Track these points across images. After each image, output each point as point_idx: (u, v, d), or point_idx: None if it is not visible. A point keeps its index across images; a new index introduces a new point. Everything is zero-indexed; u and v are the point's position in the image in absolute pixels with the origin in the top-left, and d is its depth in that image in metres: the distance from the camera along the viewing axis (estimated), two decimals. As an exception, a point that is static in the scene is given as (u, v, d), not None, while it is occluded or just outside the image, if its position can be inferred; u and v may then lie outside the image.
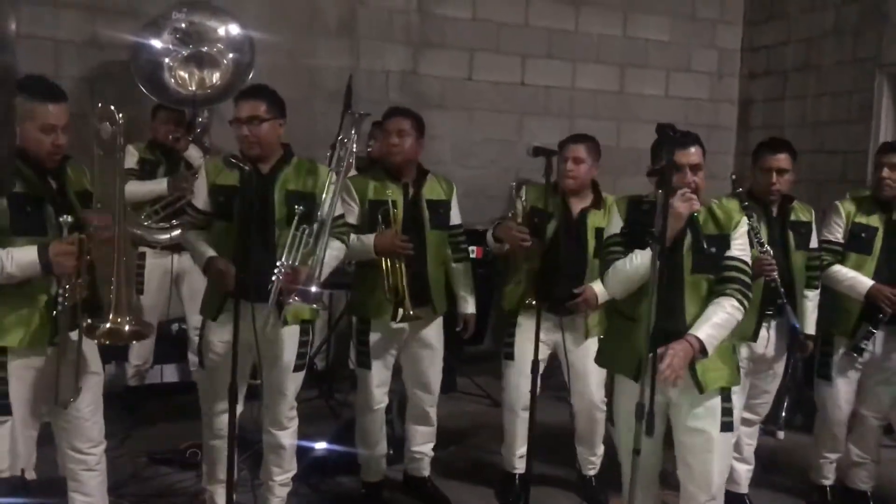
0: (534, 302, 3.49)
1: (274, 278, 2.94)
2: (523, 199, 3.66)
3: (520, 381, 3.66)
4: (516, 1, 6.41)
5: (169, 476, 3.83)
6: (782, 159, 3.51)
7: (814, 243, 3.64)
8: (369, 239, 3.39)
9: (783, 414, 4.91)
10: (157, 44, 4.78)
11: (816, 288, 3.65)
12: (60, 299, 2.62)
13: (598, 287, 3.38)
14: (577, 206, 3.68)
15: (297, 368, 3.26)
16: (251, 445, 3.62)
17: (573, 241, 3.62)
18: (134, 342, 4.54)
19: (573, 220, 3.66)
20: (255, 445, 3.43)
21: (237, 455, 3.39)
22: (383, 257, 3.39)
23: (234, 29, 4.91)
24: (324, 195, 3.17)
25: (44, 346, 2.70)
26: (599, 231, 3.60)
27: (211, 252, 3.10)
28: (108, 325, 2.59)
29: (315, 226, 3.05)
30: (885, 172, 3.61)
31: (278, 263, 2.96)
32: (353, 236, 3.41)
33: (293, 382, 3.27)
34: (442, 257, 3.63)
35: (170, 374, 4.92)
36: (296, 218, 3.05)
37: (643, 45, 6.82)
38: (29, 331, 2.66)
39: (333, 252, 3.14)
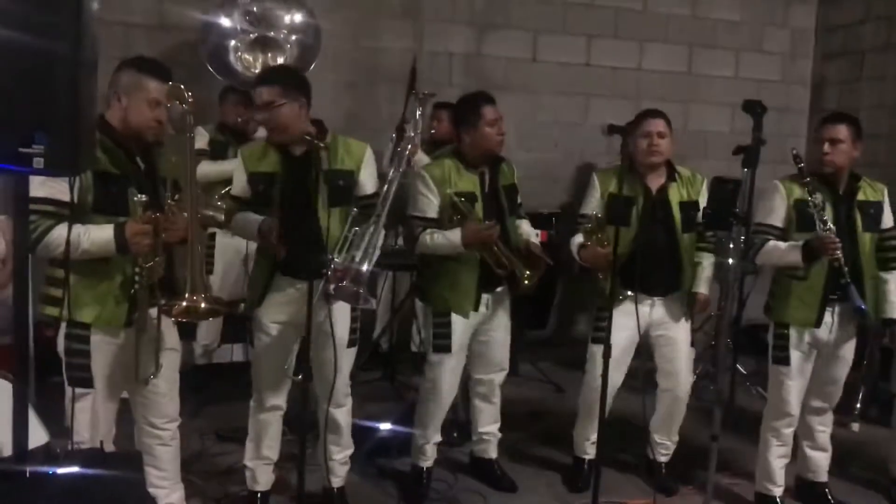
0: (629, 293, 3.44)
1: (324, 273, 2.91)
2: (595, 214, 3.57)
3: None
4: (581, -20, 6.29)
5: (235, 454, 3.86)
6: (839, 129, 3.35)
7: (887, 223, 3.48)
8: (455, 235, 3.33)
9: (858, 405, 4.74)
10: (226, 23, 4.81)
11: (894, 270, 3.48)
12: (138, 278, 2.66)
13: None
14: (655, 183, 3.60)
15: (350, 344, 3.25)
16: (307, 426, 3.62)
17: (659, 219, 3.55)
18: (202, 322, 4.69)
19: (655, 198, 3.57)
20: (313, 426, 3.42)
21: (292, 434, 3.44)
22: (473, 249, 3.35)
23: (300, 16, 4.91)
24: (366, 183, 3.19)
25: (122, 323, 2.75)
26: (683, 205, 3.57)
27: (257, 218, 3.08)
28: (184, 304, 2.63)
29: (370, 228, 3.01)
30: None
31: (332, 259, 2.93)
32: (434, 233, 3.38)
33: (348, 358, 3.27)
34: (517, 241, 3.55)
35: (238, 353, 4.97)
36: (350, 218, 3.03)
37: (712, 24, 6.63)
38: (106, 308, 2.71)
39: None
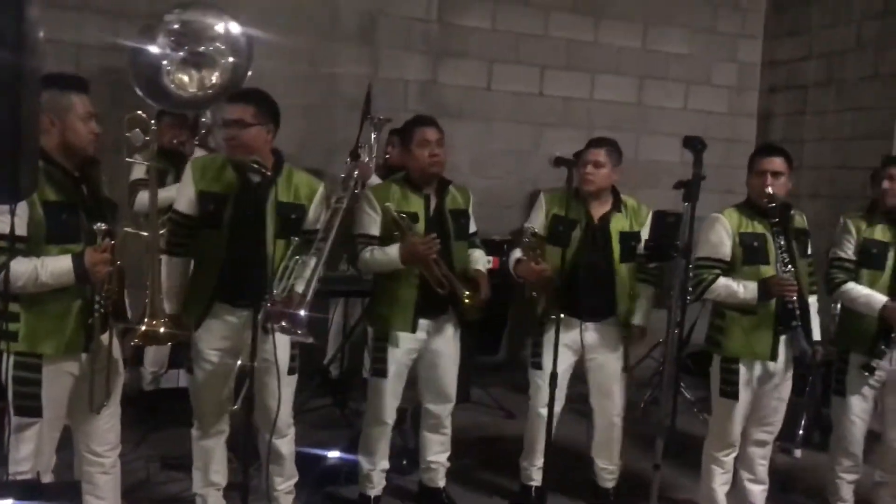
0: (562, 315, 3.47)
1: (263, 304, 2.89)
2: (533, 230, 3.60)
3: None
4: (536, 12, 6.42)
5: (181, 482, 3.80)
6: (776, 161, 3.45)
7: (809, 249, 3.59)
8: (393, 250, 3.35)
9: (800, 432, 4.84)
10: (151, 48, 4.63)
11: (814, 293, 3.58)
12: (97, 306, 2.64)
13: None
14: (598, 211, 3.66)
15: (290, 371, 3.23)
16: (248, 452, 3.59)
17: (598, 246, 3.61)
18: (149, 347, 4.62)
19: (596, 225, 3.64)
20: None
21: (236, 461, 3.40)
22: (411, 265, 3.36)
23: (231, 27, 4.75)
24: (318, 218, 3.19)
25: (79, 352, 2.71)
26: (624, 235, 3.63)
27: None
28: (143, 328, 2.60)
29: (312, 257, 3.04)
30: (886, 184, 3.59)
31: (273, 292, 2.93)
32: (374, 249, 3.40)
33: (289, 386, 3.24)
34: (464, 268, 3.59)
35: (186, 378, 4.89)
36: (291, 247, 3.05)
37: (663, 57, 6.81)
38: (64, 338, 2.67)
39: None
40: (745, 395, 3.47)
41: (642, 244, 3.64)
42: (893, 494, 3.78)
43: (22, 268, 2.50)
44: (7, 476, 2.42)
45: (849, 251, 3.67)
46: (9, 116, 1.70)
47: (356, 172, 3.83)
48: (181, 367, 4.86)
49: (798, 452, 4.79)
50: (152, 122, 2.68)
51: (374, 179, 4.73)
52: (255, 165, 2.83)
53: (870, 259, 3.62)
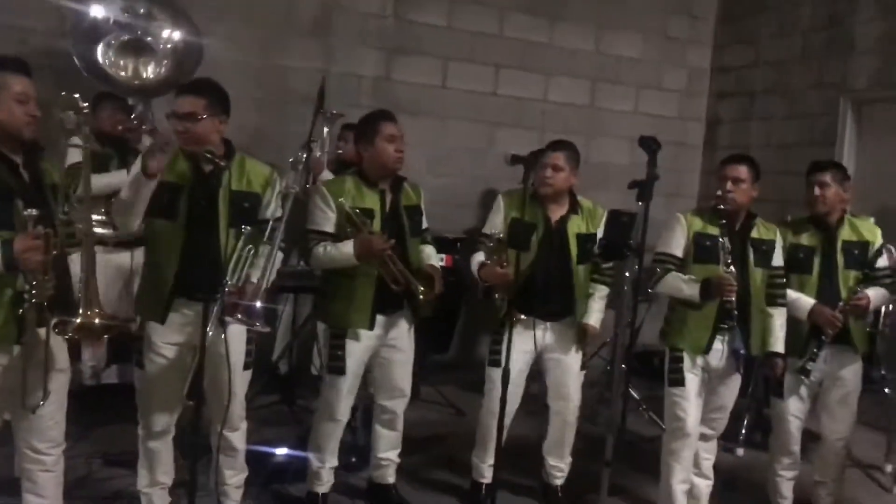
0: (522, 316, 3.52)
1: (218, 296, 2.86)
2: (499, 236, 3.62)
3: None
4: (491, 11, 6.43)
5: (124, 478, 3.70)
6: (741, 169, 3.54)
7: (777, 262, 3.67)
8: (347, 246, 3.32)
9: (743, 431, 4.95)
10: (99, 12, 4.52)
11: (783, 306, 3.67)
12: (27, 296, 2.53)
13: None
14: (555, 213, 3.69)
15: (245, 366, 3.20)
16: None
17: (556, 249, 3.64)
18: (87, 342, 4.49)
19: (554, 228, 3.66)
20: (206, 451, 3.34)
21: (183, 458, 3.35)
22: (366, 262, 3.33)
23: (180, 33, 4.71)
24: (269, 206, 3.16)
25: (10, 344, 2.62)
26: (580, 237, 3.66)
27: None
28: (78, 321, 2.52)
29: (265, 245, 3.02)
30: (816, 191, 3.69)
31: (224, 281, 2.89)
32: (326, 245, 3.36)
33: (243, 380, 3.21)
34: (417, 262, 3.57)
35: (126, 373, 4.79)
36: (242, 237, 3.02)
37: (615, 60, 6.89)
38: None
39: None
40: (691, 382, 3.54)
41: (597, 244, 3.68)
42: (830, 493, 3.89)
43: None
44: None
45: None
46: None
47: (306, 157, 3.75)
48: (120, 362, 4.80)
49: (741, 451, 4.89)
50: (85, 104, 2.58)
51: (326, 174, 4.68)
52: (209, 155, 2.79)
53: (798, 264, 3.72)
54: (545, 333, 3.69)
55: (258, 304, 2.92)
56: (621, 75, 6.92)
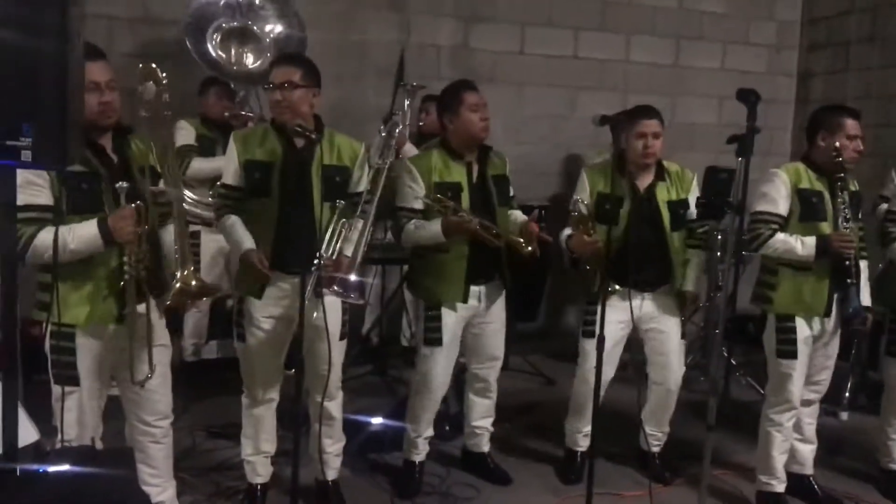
0: (618, 287, 3.46)
1: (313, 269, 2.90)
2: (583, 204, 3.52)
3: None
4: (568, -27, 6.28)
5: (227, 449, 3.84)
6: (858, 125, 3.33)
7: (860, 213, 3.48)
8: (436, 225, 3.31)
9: (846, 394, 4.78)
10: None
11: (865, 258, 3.49)
12: (127, 268, 2.62)
13: None
14: (643, 182, 3.60)
15: (341, 336, 3.26)
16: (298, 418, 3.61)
17: (647, 219, 3.55)
18: (188, 319, 4.65)
19: (643, 197, 3.57)
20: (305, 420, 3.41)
21: (283, 429, 3.43)
22: (456, 237, 3.32)
23: (287, 25, 4.86)
24: (361, 181, 3.19)
25: (112, 320, 2.72)
26: (671, 203, 3.57)
27: (248, 243, 3.06)
28: (177, 284, 2.59)
29: (360, 220, 3.05)
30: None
31: (318, 254, 2.93)
32: (417, 223, 3.37)
33: (340, 351, 3.26)
34: (507, 231, 3.53)
35: (224, 349, 4.94)
36: (337, 211, 3.04)
37: (699, 16, 6.64)
38: (94, 307, 2.68)
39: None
40: (802, 352, 3.40)
41: (692, 209, 3.57)
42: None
43: (50, 237, 2.47)
44: (61, 444, 2.43)
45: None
46: (55, 94, 1.90)
47: (390, 130, 3.75)
48: (219, 338, 4.95)
49: (845, 415, 4.73)
50: (164, 74, 2.59)
51: (410, 148, 4.68)
52: (300, 129, 2.82)
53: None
54: (642, 303, 3.60)
55: (353, 277, 2.95)
56: (706, 31, 6.67)
